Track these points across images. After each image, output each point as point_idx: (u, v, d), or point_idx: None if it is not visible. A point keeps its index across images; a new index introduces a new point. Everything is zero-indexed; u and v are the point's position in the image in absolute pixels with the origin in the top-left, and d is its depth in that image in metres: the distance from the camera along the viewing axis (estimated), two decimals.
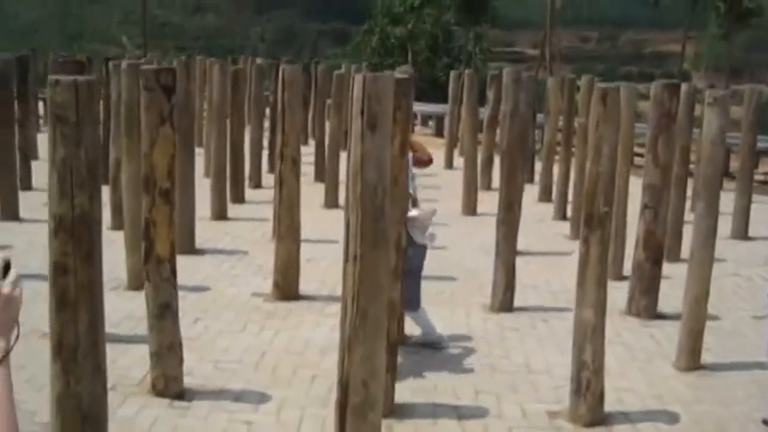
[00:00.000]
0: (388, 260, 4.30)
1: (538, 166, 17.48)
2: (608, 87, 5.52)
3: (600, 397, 5.93)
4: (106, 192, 12.21)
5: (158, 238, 5.82)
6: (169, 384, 5.97)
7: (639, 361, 7.27)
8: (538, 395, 6.43)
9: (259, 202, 13.55)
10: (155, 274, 5.86)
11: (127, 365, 6.62)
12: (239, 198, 14.27)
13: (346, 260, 4.27)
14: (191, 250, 10.69)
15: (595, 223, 5.59)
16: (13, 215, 12.05)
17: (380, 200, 4.14)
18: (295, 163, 8.48)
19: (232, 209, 13.20)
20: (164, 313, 5.89)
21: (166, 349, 5.95)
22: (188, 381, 6.22)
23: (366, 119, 4.06)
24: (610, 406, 6.11)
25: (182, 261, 10.07)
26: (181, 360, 6.05)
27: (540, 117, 18.68)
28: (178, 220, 10.56)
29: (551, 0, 46.35)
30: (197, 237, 10.93)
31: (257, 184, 15.70)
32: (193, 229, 10.83)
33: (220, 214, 12.81)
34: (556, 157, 15.49)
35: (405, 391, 6.24)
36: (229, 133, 14.33)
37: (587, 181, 5.62)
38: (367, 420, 4.30)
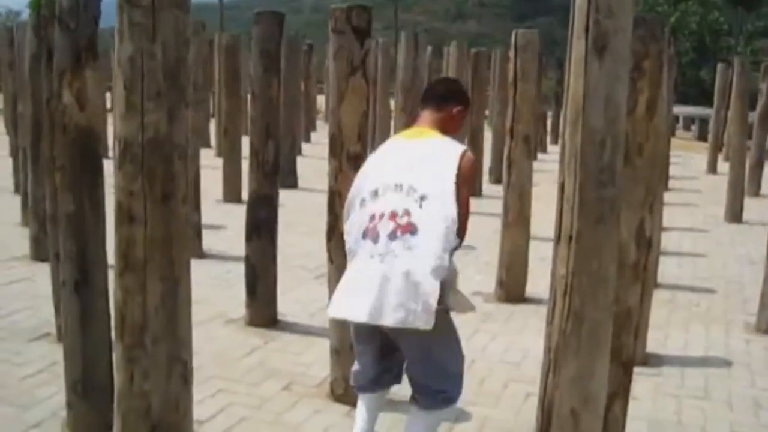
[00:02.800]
0: (617, 243, 3.06)
1: None
2: None
3: None
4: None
5: None
6: (349, 389, 4.96)
7: None
8: None
9: (499, 198, 12.43)
10: (339, 256, 4.87)
11: (309, 361, 5.72)
12: (475, 191, 13.25)
13: (557, 241, 3.08)
14: None
15: None
16: None
17: (609, 156, 2.92)
18: (528, 141, 7.30)
19: None
20: None
21: (349, 346, 4.96)
22: None
23: (592, 39, 2.84)
24: None
25: None
26: None
27: None
28: None
29: None
30: None
31: (497, 179, 14.56)
32: None
33: None
34: None
35: (639, 424, 4.95)
36: (469, 121, 13.36)
37: None
38: None
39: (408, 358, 4.00)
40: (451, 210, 3.66)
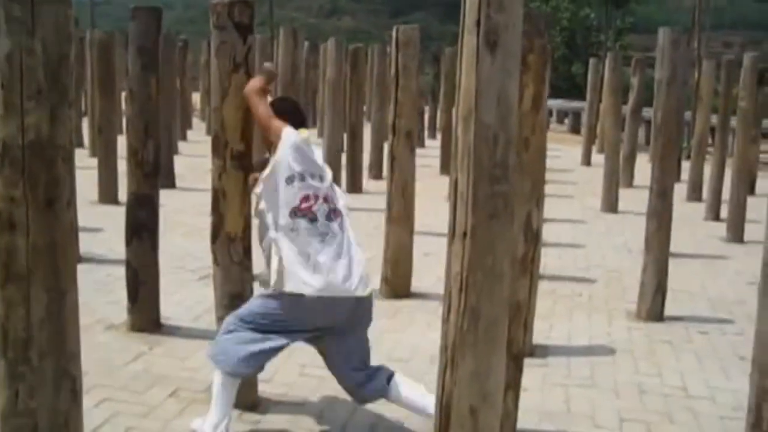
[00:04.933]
0: (511, 238, 3.05)
1: (685, 165, 16.07)
2: None
3: None
4: None
5: (229, 212, 4.73)
6: (239, 392, 4.86)
7: None
8: (699, 427, 5.07)
9: (379, 193, 12.46)
10: (224, 256, 4.77)
11: (196, 366, 5.57)
12: (356, 187, 13.25)
13: (451, 237, 3.05)
14: None
15: None
16: None
17: (502, 152, 2.91)
18: (410, 136, 7.29)
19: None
20: (234, 305, 4.80)
21: None
22: (265, 389, 5.13)
23: (483, 33, 2.82)
24: None
25: None
26: None
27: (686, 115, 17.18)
28: None
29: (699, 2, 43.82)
30: None
31: (377, 175, 14.57)
32: None
33: None
34: (709, 150, 13.99)
35: (530, 415, 4.99)
36: (348, 117, 13.35)
37: None
38: None
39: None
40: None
